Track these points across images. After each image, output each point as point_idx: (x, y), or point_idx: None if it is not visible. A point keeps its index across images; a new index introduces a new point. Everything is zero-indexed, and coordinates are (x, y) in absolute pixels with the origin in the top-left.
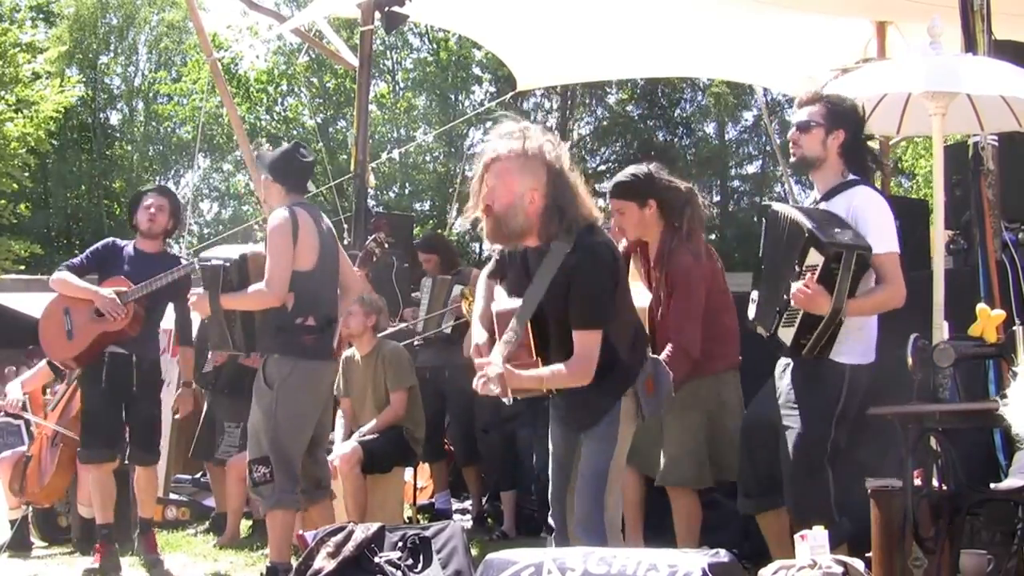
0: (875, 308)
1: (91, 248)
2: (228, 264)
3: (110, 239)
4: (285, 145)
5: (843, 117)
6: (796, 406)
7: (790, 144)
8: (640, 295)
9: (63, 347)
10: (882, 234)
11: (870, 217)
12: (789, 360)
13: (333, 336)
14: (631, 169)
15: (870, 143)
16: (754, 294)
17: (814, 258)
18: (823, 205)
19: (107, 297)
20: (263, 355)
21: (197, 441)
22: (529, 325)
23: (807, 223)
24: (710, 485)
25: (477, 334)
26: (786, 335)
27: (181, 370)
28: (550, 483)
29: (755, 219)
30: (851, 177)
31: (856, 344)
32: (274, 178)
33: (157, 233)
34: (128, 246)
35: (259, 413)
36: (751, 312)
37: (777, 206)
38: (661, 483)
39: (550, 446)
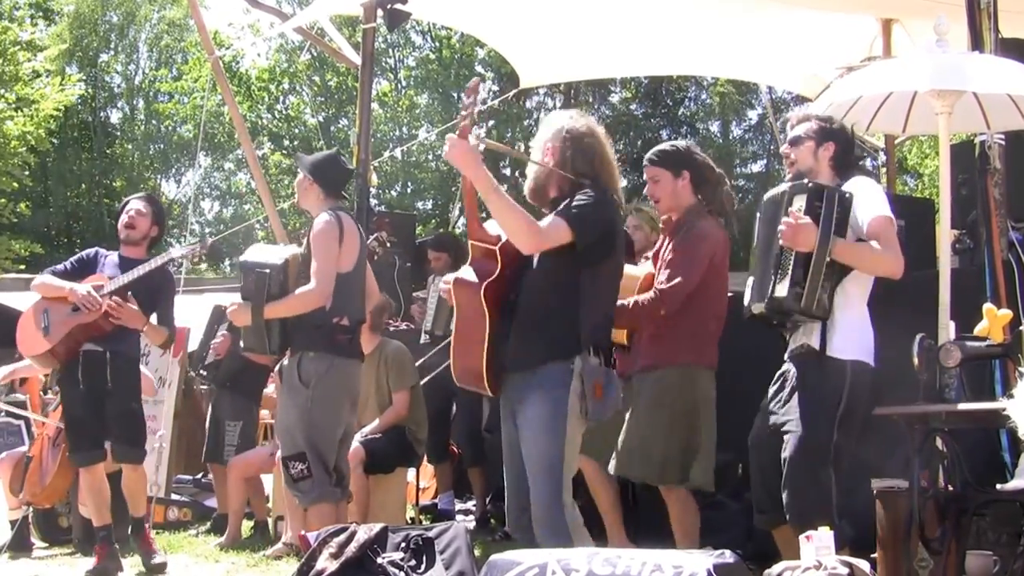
0: (867, 259)
1: (76, 255)
2: (271, 272)
3: (94, 249)
4: (326, 151)
5: (832, 133)
6: (796, 408)
7: (785, 161)
8: (637, 268)
9: (38, 342)
10: (873, 203)
11: (860, 191)
12: (789, 367)
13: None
14: (670, 142)
15: (860, 163)
16: (749, 280)
17: (798, 202)
18: None
19: (81, 291)
20: (296, 353)
21: (208, 443)
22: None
23: (786, 184)
24: (676, 485)
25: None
26: (781, 288)
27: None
28: (506, 491)
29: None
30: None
31: (853, 336)
32: (314, 178)
33: (137, 239)
34: (112, 254)
35: (293, 410)
36: (747, 297)
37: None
38: (618, 472)
39: (504, 454)
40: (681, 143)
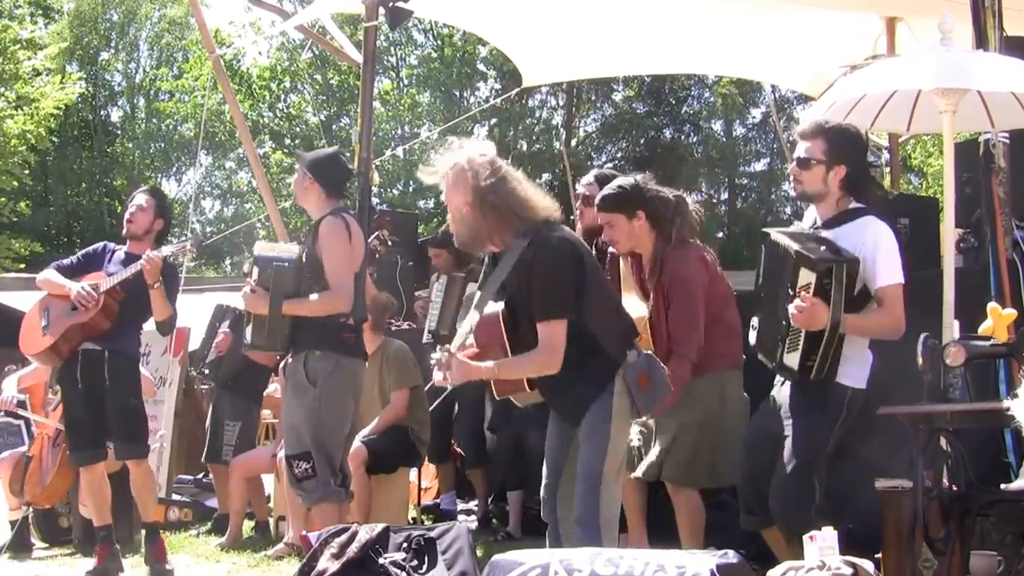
0: (874, 329)
1: (84, 250)
2: (288, 267)
3: (102, 243)
4: (327, 148)
5: (843, 152)
6: (798, 418)
7: (791, 178)
8: (636, 306)
9: (37, 341)
10: (889, 267)
11: (880, 249)
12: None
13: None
14: (618, 181)
15: (871, 170)
16: (754, 321)
17: (806, 277)
18: (825, 233)
19: (79, 288)
20: (301, 351)
21: (208, 443)
22: (503, 326)
23: (794, 245)
24: (705, 486)
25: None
26: (792, 360)
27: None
28: (543, 477)
29: (761, 226)
30: (854, 205)
31: (856, 368)
32: (314, 177)
33: (138, 233)
34: (120, 249)
35: (300, 409)
36: (752, 339)
37: (772, 233)
38: (647, 478)
39: (547, 447)
40: (628, 181)
